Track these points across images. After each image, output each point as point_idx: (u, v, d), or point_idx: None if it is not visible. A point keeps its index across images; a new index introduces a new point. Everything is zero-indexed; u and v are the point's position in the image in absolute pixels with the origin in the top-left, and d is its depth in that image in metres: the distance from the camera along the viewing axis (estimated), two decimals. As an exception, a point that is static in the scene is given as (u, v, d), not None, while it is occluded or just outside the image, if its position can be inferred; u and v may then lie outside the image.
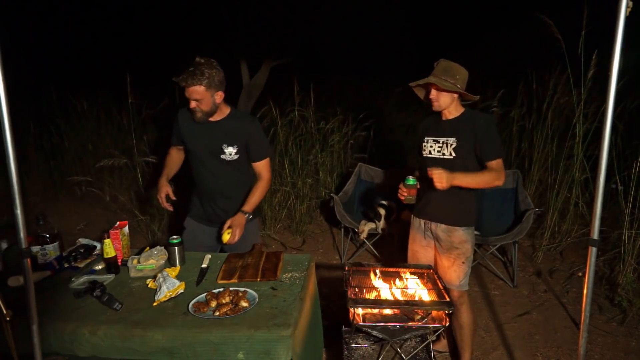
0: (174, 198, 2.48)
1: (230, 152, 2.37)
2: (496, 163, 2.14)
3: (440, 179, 2.00)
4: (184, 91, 2.22)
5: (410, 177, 2.15)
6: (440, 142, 2.26)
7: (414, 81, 2.27)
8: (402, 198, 2.17)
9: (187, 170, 2.56)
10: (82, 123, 5.55)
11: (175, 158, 2.60)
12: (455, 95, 2.21)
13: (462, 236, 2.29)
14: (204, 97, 2.22)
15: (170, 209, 2.49)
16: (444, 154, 2.24)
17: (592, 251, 1.70)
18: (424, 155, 2.35)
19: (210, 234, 2.51)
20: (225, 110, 2.38)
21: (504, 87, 4.66)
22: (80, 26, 8.22)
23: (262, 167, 2.45)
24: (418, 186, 2.16)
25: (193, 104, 2.24)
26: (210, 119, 2.33)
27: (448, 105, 2.22)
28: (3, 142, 1.45)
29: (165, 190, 2.47)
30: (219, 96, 2.29)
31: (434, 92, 2.19)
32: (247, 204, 2.38)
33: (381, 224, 3.71)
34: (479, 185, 2.16)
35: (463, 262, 2.31)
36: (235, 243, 2.31)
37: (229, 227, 2.28)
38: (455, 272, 2.32)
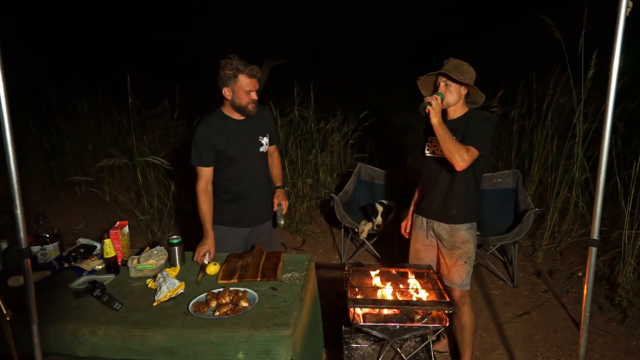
0: (208, 261, 2.19)
1: (265, 142, 2.42)
2: (470, 149, 2.06)
3: (435, 105, 2.03)
4: (244, 84, 2.18)
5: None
6: None
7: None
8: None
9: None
10: (82, 123, 5.55)
11: (210, 199, 2.36)
12: (463, 94, 2.21)
13: (465, 236, 2.29)
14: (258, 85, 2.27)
15: (204, 262, 2.19)
16: None
17: (592, 251, 1.70)
18: (427, 154, 2.34)
19: (242, 235, 2.49)
20: None
21: (504, 87, 4.65)
22: (80, 26, 8.23)
23: (275, 147, 2.62)
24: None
25: (253, 96, 2.24)
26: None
27: (456, 102, 2.21)
28: (3, 142, 1.45)
29: (210, 247, 2.25)
30: None
31: (442, 86, 2.18)
32: (279, 179, 2.59)
33: (377, 220, 3.70)
34: (444, 143, 2.04)
35: (465, 262, 2.31)
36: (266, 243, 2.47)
37: (279, 204, 2.43)
38: (457, 271, 2.32)
